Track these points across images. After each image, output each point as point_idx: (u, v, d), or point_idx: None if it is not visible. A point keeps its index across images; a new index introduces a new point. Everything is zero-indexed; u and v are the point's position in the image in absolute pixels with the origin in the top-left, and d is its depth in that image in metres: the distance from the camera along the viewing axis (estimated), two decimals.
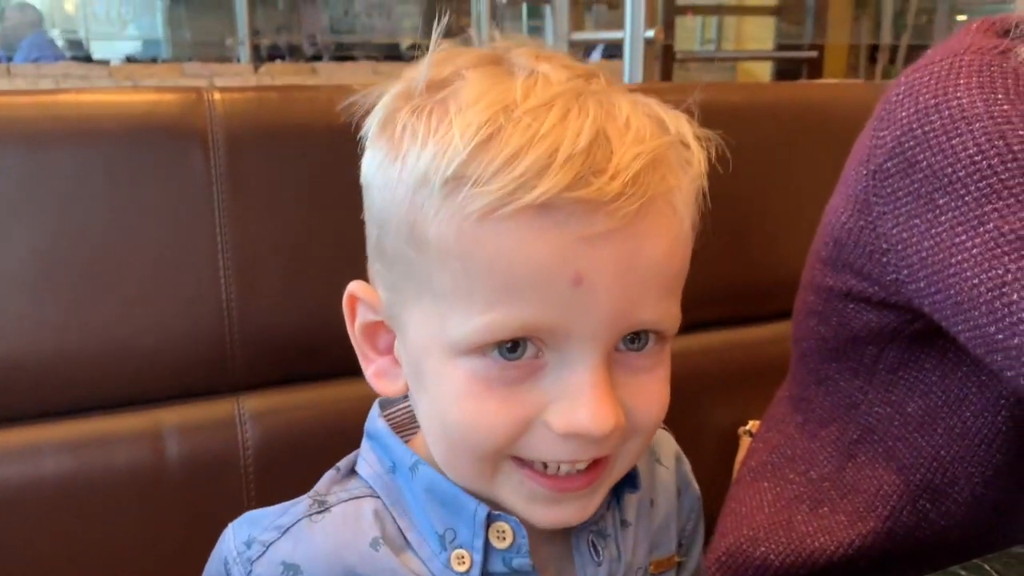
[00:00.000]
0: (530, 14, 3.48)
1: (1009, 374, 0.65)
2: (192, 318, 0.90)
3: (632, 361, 0.47)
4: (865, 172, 0.75)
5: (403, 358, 0.52)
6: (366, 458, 0.56)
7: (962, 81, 0.68)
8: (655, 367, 0.49)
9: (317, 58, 5.97)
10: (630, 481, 0.56)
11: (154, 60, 5.27)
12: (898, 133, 0.71)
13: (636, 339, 0.47)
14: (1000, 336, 0.64)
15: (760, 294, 1.17)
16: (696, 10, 4.43)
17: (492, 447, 0.47)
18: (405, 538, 0.52)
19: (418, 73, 0.48)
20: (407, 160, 0.46)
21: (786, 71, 4.49)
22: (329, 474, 0.57)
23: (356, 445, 0.92)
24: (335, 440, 0.92)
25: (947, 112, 0.68)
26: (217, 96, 0.91)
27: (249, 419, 0.92)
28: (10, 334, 0.84)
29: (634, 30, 1.21)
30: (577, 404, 0.45)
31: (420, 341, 0.48)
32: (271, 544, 0.51)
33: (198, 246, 0.89)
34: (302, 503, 0.54)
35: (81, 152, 0.85)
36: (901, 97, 0.72)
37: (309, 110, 0.93)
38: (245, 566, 0.51)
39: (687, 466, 0.66)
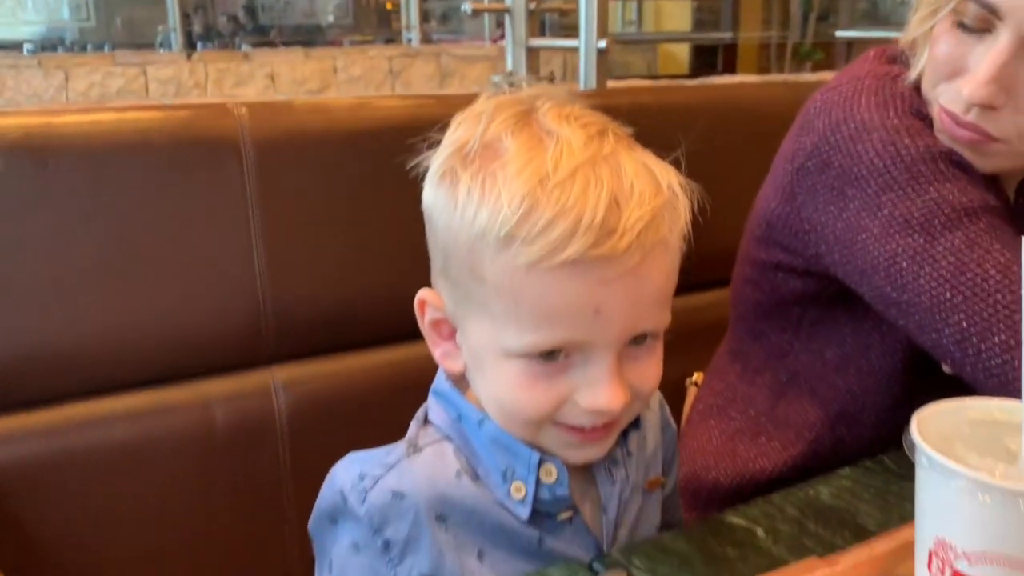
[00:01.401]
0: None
1: (901, 323, 0.85)
2: (231, 302, 1.04)
3: (635, 353, 0.64)
4: (790, 168, 0.93)
5: (464, 348, 0.68)
6: (434, 410, 0.72)
7: (863, 100, 0.87)
8: (651, 354, 0.66)
9: (235, 35, 5.93)
10: (634, 423, 0.74)
11: (64, 46, 5.15)
12: (816, 139, 0.89)
13: (638, 340, 0.64)
14: (894, 294, 0.83)
15: (702, 266, 1.34)
16: None
17: (536, 418, 0.64)
18: (476, 472, 0.68)
19: (470, 134, 0.63)
20: (466, 214, 0.61)
21: (703, 50, 4.72)
22: (413, 425, 0.72)
23: (376, 408, 1.09)
24: (357, 404, 1.10)
25: (852, 124, 0.86)
26: (243, 110, 1.05)
27: (281, 388, 1.06)
28: (82, 321, 0.97)
29: (588, 42, 1.38)
30: (598, 391, 0.62)
31: (480, 342, 0.65)
32: (381, 477, 0.66)
33: (234, 241, 1.03)
34: (400, 447, 0.69)
35: (134, 163, 0.98)
36: (818, 111, 0.90)
37: (327, 119, 1.08)
38: (360, 494, 0.66)
39: (667, 410, 0.85)
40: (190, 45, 4.82)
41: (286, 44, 5.40)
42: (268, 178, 1.03)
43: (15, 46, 4.91)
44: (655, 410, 0.82)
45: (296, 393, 1.07)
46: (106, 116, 0.99)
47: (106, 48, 5.04)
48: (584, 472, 0.73)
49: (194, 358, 1.03)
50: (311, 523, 0.73)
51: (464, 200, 0.61)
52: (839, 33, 4.16)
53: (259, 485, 1.06)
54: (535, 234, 0.58)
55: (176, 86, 4.09)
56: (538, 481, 0.67)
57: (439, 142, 0.66)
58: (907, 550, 0.51)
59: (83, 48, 5.39)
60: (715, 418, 1.11)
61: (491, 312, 0.62)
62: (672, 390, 1.32)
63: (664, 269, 0.63)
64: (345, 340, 1.10)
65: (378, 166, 1.08)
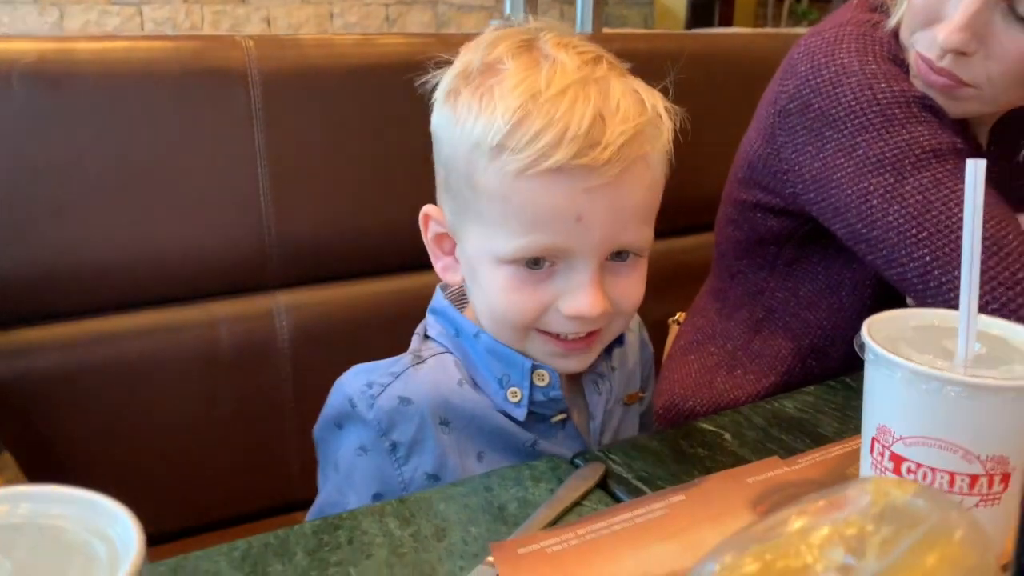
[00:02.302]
0: None
1: (870, 258, 0.90)
2: (237, 227, 1.08)
3: (618, 268, 0.69)
4: (773, 111, 0.98)
5: (461, 260, 0.73)
6: (433, 327, 0.77)
7: (844, 46, 0.92)
8: (632, 272, 0.71)
9: None
10: (618, 340, 0.80)
11: None
12: (798, 83, 0.94)
13: (620, 255, 0.69)
14: (864, 230, 0.89)
15: (688, 211, 1.39)
16: None
17: (522, 323, 0.69)
18: (474, 381, 0.74)
19: (474, 56, 0.68)
20: (465, 127, 0.66)
21: (699, 6, 4.70)
22: (415, 339, 0.78)
23: (372, 333, 1.14)
24: (355, 328, 1.15)
25: (833, 68, 0.91)
26: (251, 43, 1.08)
27: (284, 311, 1.12)
28: (95, 240, 1.01)
29: None
30: (578, 296, 0.67)
31: (475, 251, 0.70)
32: (388, 385, 0.72)
33: (241, 169, 1.07)
34: (405, 358, 0.74)
35: (145, 90, 1.02)
36: (800, 55, 0.95)
37: (332, 54, 1.11)
38: (369, 400, 0.71)
39: (645, 332, 0.91)
40: None
41: None
42: (274, 109, 1.07)
43: None
44: (635, 331, 0.88)
45: (297, 316, 1.12)
46: (118, 44, 1.02)
47: None
48: (573, 383, 0.78)
49: (201, 280, 1.08)
50: (316, 428, 0.78)
51: (464, 114, 0.66)
52: None
53: (261, 400, 1.12)
54: (524, 143, 0.62)
55: (172, 26, 4.07)
56: (532, 385, 0.72)
57: (447, 61, 0.70)
58: (858, 454, 0.56)
59: None
60: (695, 352, 1.17)
61: (484, 220, 0.67)
62: (655, 328, 1.38)
63: (645, 184, 0.67)
64: (345, 268, 1.15)
65: (381, 101, 1.12)
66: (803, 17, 5.25)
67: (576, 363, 0.73)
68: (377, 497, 0.72)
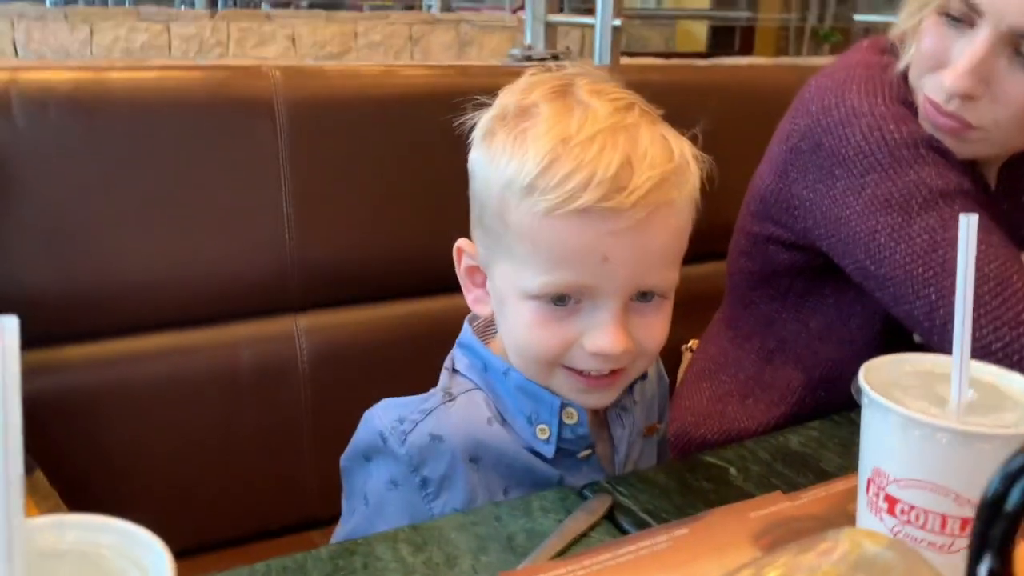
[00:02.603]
0: None
1: (878, 294, 0.92)
2: (260, 253, 1.12)
3: (642, 309, 0.71)
4: (785, 148, 1.00)
5: (492, 293, 0.75)
6: (461, 361, 0.79)
7: (854, 87, 0.94)
8: (656, 314, 0.72)
9: None
10: (642, 375, 0.82)
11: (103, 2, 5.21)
12: (809, 122, 0.96)
13: (644, 296, 0.71)
14: (872, 268, 0.90)
15: (704, 239, 1.41)
16: None
17: (547, 358, 0.71)
18: (503, 418, 0.76)
19: (511, 100, 0.71)
20: (499, 167, 0.69)
21: (721, 30, 4.74)
22: (444, 375, 0.79)
23: (391, 357, 1.17)
24: (374, 352, 1.18)
25: (843, 109, 0.93)
26: (278, 73, 1.12)
27: (304, 334, 1.15)
28: (122, 262, 1.05)
29: (603, 19, 1.45)
30: (601, 334, 0.68)
31: (503, 286, 0.72)
32: (419, 422, 0.73)
33: (266, 196, 1.10)
34: (436, 395, 0.76)
35: (174, 119, 1.06)
36: (812, 95, 0.97)
37: (357, 84, 1.15)
38: (400, 436, 0.73)
39: (661, 365, 0.93)
40: (212, 3, 4.86)
41: (308, 6, 5.45)
42: (299, 137, 1.11)
43: None
44: (652, 364, 0.90)
45: (318, 340, 1.15)
46: (149, 74, 1.06)
47: (127, 2, 5.07)
48: (597, 417, 0.80)
49: (224, 303, 1.11)
50: (344, 459, 0.80)
51: (498, 154, 0.69)
52: (857, 17, 4.18)
53: (280, 424, 1.14)
54: (553, 185, 0.65)
55: (199, 43, 4.15)
56: (560, 423, 0.74)
57: (485, 104, 0.73)
58: None
59: (104, 2, 5.43)
60: (707, 380, 1.19)
61: (514, 255, 0.69)
62: (669, 355, 1.40)
63: (670, 229, 0.69)
64: (365, 293, 1.18)
65: (403, 130, 1.15)
66: (825, 40, 5.27)
67: (599, 399, 0.75)
68: None
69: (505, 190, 0.68)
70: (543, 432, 0.74)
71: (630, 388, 0.82)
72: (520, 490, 0.75)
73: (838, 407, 1.05)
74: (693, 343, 1.35)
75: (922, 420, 0.50)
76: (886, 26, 1.04)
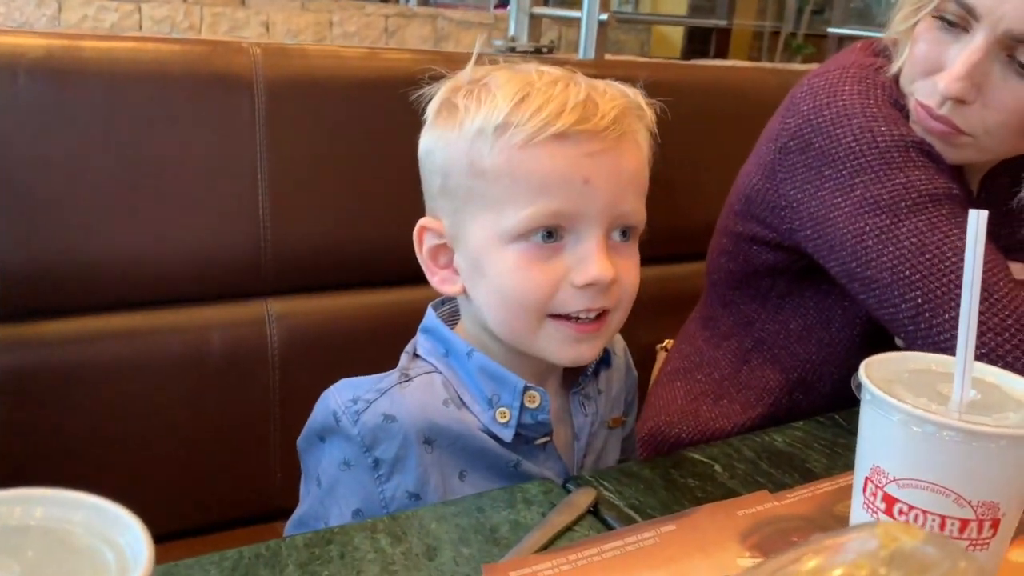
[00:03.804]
0: None
1: (863, 297, 0.91)
2: (233, 234, 1.08)
3: (619, 248, 0.71)
4: (774, 148, 0.99)
5: (461, 266, 0.74)
6: (424, 346, 0.78)
7: (846, 88, 0.93)
8: (631, 256, 0.73)
9: None
10: (605, 361, 0.81)
11: None
12: (800, 121, 0.95)
13: (623, 234, 0.71)
14: (858, 269, 0.90)
15: (679, 239, 1.40)
16: None
17: (536, 303, 0.70)
18: (462, 400, 0.74)
19: (463, 75, 0.72)
20: (464, 124, 0.69)
21: (696, 35, 4.76)
22: (404, 358, 0.78)
23: (361, 345, 1.15)
24: (345, 340, 1.15)
25: (834, 109, 0.93)
26: (258, 50, 1.09)
27: (275, 319, 1.12)
28: (92, 238, 1.01)
29: (590, 13, 1.43)
30: (589, 263, 0.68)
31: (479, 242, 0.70)
32: (373, 401, 0.72)
33: (241, 175, 1.07)
34: (393, 375, 0.74)
35: (150, 92, 1.02)
36: (803, 94, 0.96)
37: (335, 66, 1.12)
38: (353, 416, 0.71)
39: (630, 358, 0.92)
40: None
41: None
42: (277, 116, 1.08)
43: None
44: (621, 356, 0.89)
45: (288, 325, 1.12)
46: (125, 44, 1.02)
47: None
48: (562, 403, 0.79)
49: (195, 284, 1.08)
50: (300, 440, 0.78)
51: (462, 114, 0.70)
52: (831, 29, 4.22)
53: (248, 409, 1.11)
54: (527, 117, 0.67)
55: (170, 25, 4.07)
56: (522, 407, 0.73)
57: (442, 75, 0.74)
58: (847, 492, 0.57)
59: None
60: (681, 379, 1.18)
61: (492, 201, 0.69)
62: (644, 353, 1.40)
63: (638, 157, 0.72)
64: (338, 279, 1.15)
65: (382, 115, 1.12)
66: (797, 52, 5.32)
67: (588, 350, 0.73)
68: (358, 513, 0.72)
69: (476, 140, 0.69)
70: (503, 416, 0.73)
71: (595, 375, 0.81)
72: (476, 474, 0.74)
73: (815, 410, 1.06)
74: (668, 342, 1.35)
75: (926, 417, 0.48)
76: (860, 40, 1.04)
